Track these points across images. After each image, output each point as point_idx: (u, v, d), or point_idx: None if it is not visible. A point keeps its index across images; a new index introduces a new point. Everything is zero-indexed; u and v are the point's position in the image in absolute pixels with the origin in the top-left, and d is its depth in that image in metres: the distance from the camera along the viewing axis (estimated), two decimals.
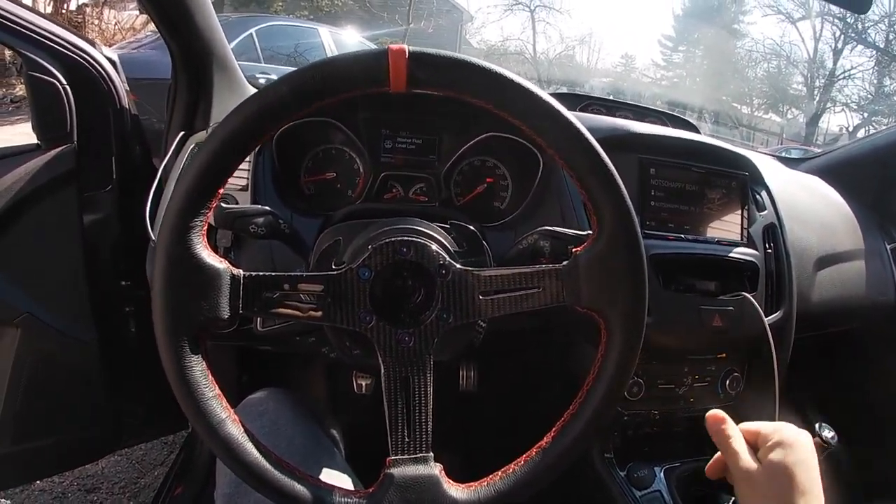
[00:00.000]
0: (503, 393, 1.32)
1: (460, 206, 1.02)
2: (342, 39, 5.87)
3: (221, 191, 0.52)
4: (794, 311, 1.08)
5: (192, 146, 0.91)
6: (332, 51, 5.39)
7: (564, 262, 0.60)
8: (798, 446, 0.60)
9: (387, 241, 0.59)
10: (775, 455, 0.60)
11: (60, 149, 1.03)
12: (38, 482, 1.52)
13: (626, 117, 1.19)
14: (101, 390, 1.12)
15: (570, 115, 0.55)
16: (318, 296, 0.56)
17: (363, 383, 0.91)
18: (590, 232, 0.75)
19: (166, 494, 1.21)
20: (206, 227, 0.53)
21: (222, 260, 0.53)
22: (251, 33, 4.24)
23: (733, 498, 1.01)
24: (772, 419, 1.07)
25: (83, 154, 1.05)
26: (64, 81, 1.03)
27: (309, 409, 0.88)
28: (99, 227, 1.09)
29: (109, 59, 1.10)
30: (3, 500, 1.46)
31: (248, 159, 0.88)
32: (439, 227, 0.71)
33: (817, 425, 0.87)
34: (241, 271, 0.54)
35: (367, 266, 0.58)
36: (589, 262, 0.59)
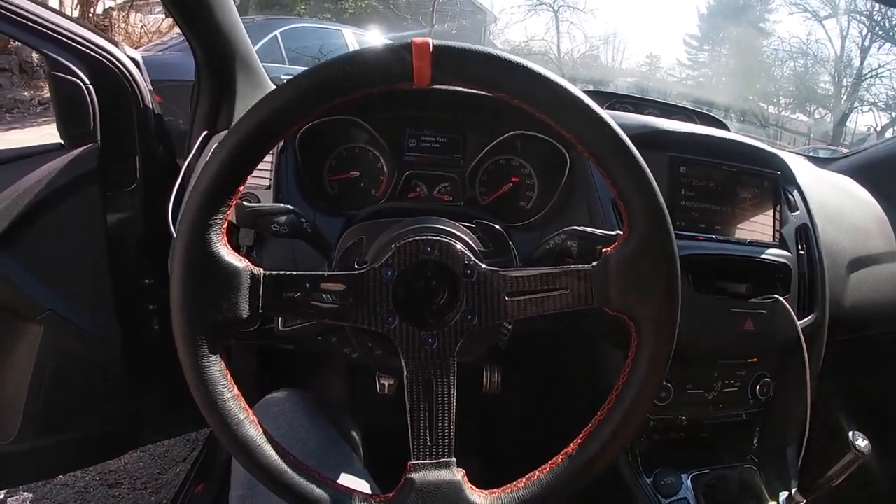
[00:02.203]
0: (527, 396, 1.30)
1: (485, 206, 1.01)
2: (366, 41, 5.91)
3: (242, 188, 0.51)
4: (827, 315, 1.05)
5: (214, 145, 0.91)
6: None
7: (594, 263, 0.58)
8: None
9: (410, 240, 0.58)
10: None
11: (84, 148, 1.03)
12: (60, 476, 1.54)
13: (652, 114, 1.17)
14: (123, 387, 1.12)
15: (603, 112, 0.53)
16: (340, 295, 0.55)
17: (386, 383, 0.90)
18: (619, 232, 0.73)
19: (187, 492, 1.21)
20: (225, 225, 0.52)
21: (242, 258, 0.52)
22: (275, 35, 4.29)
23: None
24: (803, 426, 1.05)
25: (107, 153, 1.05)
26: (87, 81, 1.03)
27: (326, 411, 0.87)
28: (123, 226, 1.10)
29: (132, 59, 1.11)
30: (25, 493, 1.49)
31: (270, 158, 0.88)
32: (464, 226, 0.69)
33: (850, 434, 0.84)
34: (261, 270, 0.53)
35: (391, 265, 0.57)
36: (619, 262, 0.56)
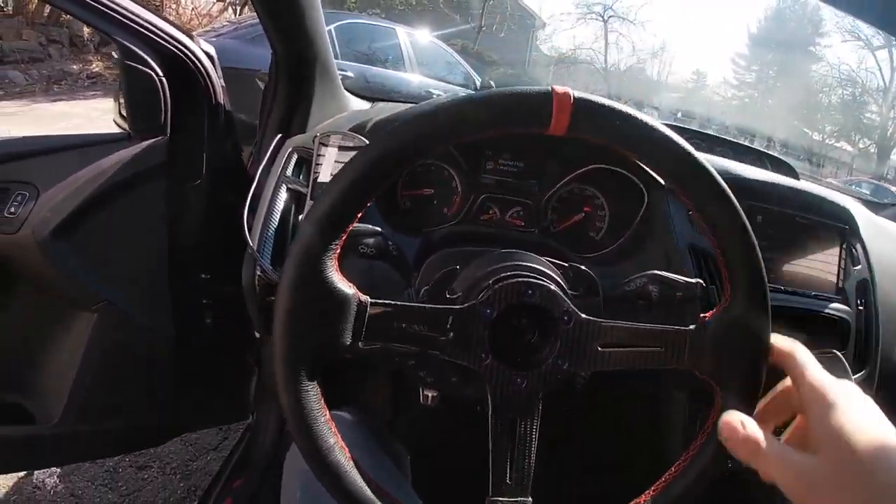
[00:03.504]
0: (589, 435, 1.29)
1: (556, 234, 1.00)
2: (416, 39, 5.89)
3: (360, 214, 0.51)
4: (878, 371, 1.03)
5: (289, 149, 0.91)
6: (408, 51, 5.42)
7: (691, 326, 0.57)
8: None
9: (513, 281, 0.58)
10: None
11: (153, 140, 1.04)
12: None
13: (725, 155, 1.15)
14: (170, 380, 1.13)
15: (716, 174, 0.53)
16: (438, 329, 0.55)
17: (429, 395, 0.89)
18: (699, 281, 0.72)
19: (224, 485, 1.22)
20: (340, 252, 0.51)
21: (351, 285, 0.52)
22: (331, 30, 4.29)
23: None
24: None
25: (175, 147, 1.05)
26: (161, 73, 1.03)
27: (372, 431, 0.86)
28: (185, 221, 1.10)
29: (207, 54, 1.10)
30: (54, 468, 1.51)
31: None
32: (556, 263, 0.69)
33: None
34: (367, 298, 0.53)
35: (491, 304, 0.56)
36: (718, 329, 0.56)
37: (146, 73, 1.03)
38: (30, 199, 0.97)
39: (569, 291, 0.64)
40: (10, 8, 8.37)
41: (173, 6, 9.30)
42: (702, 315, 0.57)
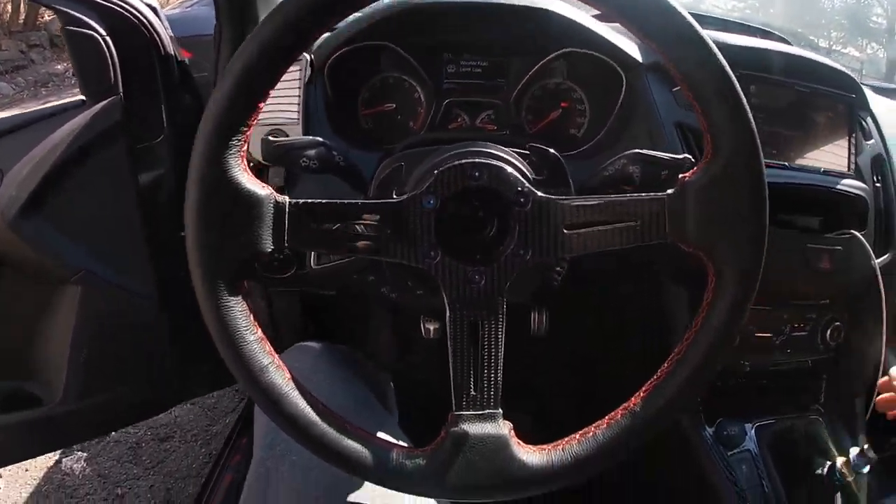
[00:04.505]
0: (577, 340, 1.23)
1: (533, 134, 0.92)
2: None
3: (262, 105, 0.46)
4: None
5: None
6: None
7: (669, 191, 0.50)
8: None
9: (455, 163, 0.51)
10: None
11: (106, 102, 0.99)
12: (112, 434, 1.58)
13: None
14: (165, 343, 1.11)
15: (697, 25, 0.46)
16: (376, 227, 0.49)
17: (431, 327, 0.84)
18: (687, 156, 0.64)
19: (232, 445, 1.21)
20: (245, 149, 0.46)
21: (265, 186, 0.47)
22: None
23: (829, 462, 0.91)
24: (873, 375, 0.96)
25: (130, 105, 1.01)
26: (103, 33, 0.99)
27: (363, 366, 0.83)
28: (153, 179, 1.06)
29: (150, 6, 1.05)
30: (79, 452, 1.53)
31: (297, 91, 0.82)
32: (516, 152, 0.62)
33: None
34: (286, 199, 0.47)
35: (432, 193, 0.50)
36: (700, 189, 0.49)
37: (89, 36, 0.98)
38: None
39: (531, 176, 0.57)
40: None
41: None
42: (680, 176, 0.50)
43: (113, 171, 1.01)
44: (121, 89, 1.00)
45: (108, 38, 0.99)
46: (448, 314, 0.51)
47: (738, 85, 0.47)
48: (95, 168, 0.99)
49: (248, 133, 0.46)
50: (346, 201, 0.50)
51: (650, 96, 0.85)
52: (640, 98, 0.86)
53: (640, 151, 0.65)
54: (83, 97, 1.03)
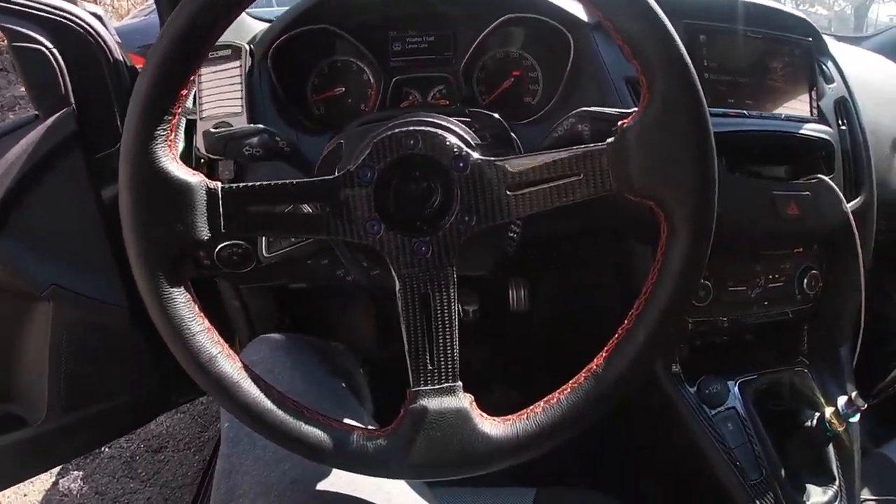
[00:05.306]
0: (552, 310, 1.23)
1: (486, 106, 0.91)
2: None
3: (185, 91, 0.45)
4: (875, 198, 0.95)
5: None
6: None
7: (609, 140, 0.49)
8: None
9: (389, 133, 0.50)
10: None
11: (59, 114, 0.98)
12: (106, 449, 1.58)
13: None
14: (142, 351, 1.09)
15: None
16: (315, 206, 0.49)
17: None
18: (636, 109, 0.64)
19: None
20: (172, 137, 0.46)
21: (196, 173, 0.46)
22: None
23: (817, 414, 0.90)
24: (856, 322, 0.95)
25: (83, 115, 1.00)
26: (50, 45, 0.98)
27: (319, 352, 0.82)
28: (113, 186, 1.04)
29: (94, 15, 1.04)
30: (75, 472, 1.53)
31: (239, 81, 0.81)
32: (458, 121, 0.60)
33: None
34: (218, 184, 0.47)
35: (369, 165, 0.49)
36: (640, 134, 0.47)
37: (35, 49, 0.97)
38: None
39: (473, 142, 0.56)
40: None
41: (108, 0, 9.10)
42: (619, 123, 0.49)
43: (72, 183, 1.00)
44: (72, 100, 0.99)
45: (55, 50, 0.98)
46: (398, 287, 0.50)
47: (671, 27, 0.46)
48: (54, 181, 0.98)
49: (173, 122, 0.45)
50: (279, 182, 0.49)
51: (598, 55, 0.83)
52: (589, 57, 0.85)
53: (588, 109, 0.63)
54: (36, 112, 1.02)
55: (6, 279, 0.98)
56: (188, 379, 1.06)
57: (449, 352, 0.50)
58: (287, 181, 0.49)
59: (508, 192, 0.49)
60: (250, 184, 0.48)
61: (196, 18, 0.43)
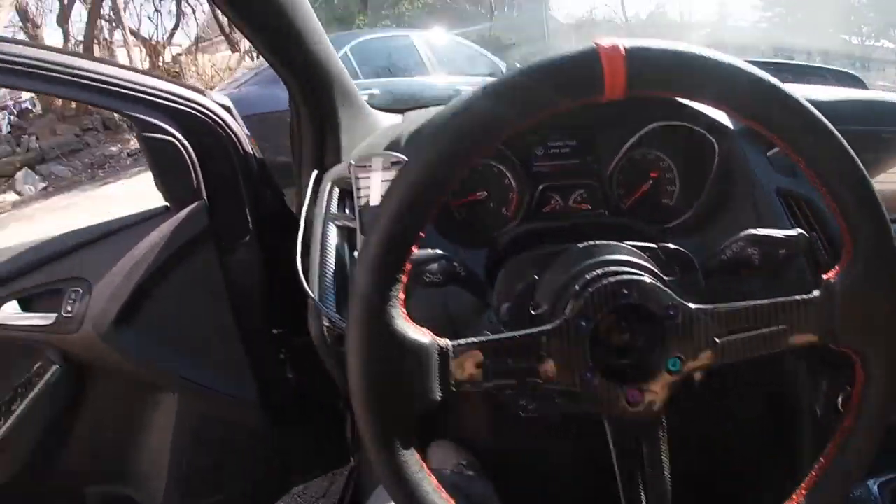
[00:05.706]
0: (700, 427, 1.18)
1: (627, 210, 0.90)
2: (432, 40, 5.59)
3: (415, 248, 0.43)
4: None
5: (328, 185, 0.85)
6: (427, 54, 5.13)
7: (815, 293, 0.48)
8: None
9: (605, 283, 0.49)
10: None
11: (191, 208, 1.00)
12: None
13: (786, 80, 1.03)
14: (265, 442, 1.10)
15: (817, 113, 0.45)
16: (535, 356, 0.47)
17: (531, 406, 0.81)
18: (802, 232, 0.62)
19: None
20: (402, 297, 0.44)
21: (426, 332, 0.45)
22: (346, 52, 4.16)
23: None
24: None
25: (215, 208, 1.02)
26: (181, 138, 0.99)
27: (471, 460, 0.80)
28: (243, 280, 1.06)
29: (223, 106, 1.06)
30: None
31: None
32: (642, 247, 0.59)
33: None
34: (448, 343, 0.45)
35: (585, 315, 0.47)
36: (846, 291, 0.47)
37: (167, 141, 0.98)
38: (84, 295, 0.95)
39: (665, 277, 0.54)
40: (38, 108, 8.81)
41: (192, 69, 9.51)
42: (823, 276, 0.48)
43: (203, 277, 1.02)
44: (204, 193, 1.01)
45: (185, 142, 0.99)
46: (610, 436, 0.50)
47: (873, 184, 0.46)
48: (185, 275, 1.00)
49: (404, 280, 0.44)
50: (506, 336, 0.47)
51: (746, 163, 0.82)
52: (736, 164, 0.83)
53: (755, 232, 0.62)
54: (167, 204, 1.04)
55: (134, 369, 0.99)
56: (304, 462, 1.05)
57: (663, 497, 0.50)
58: (512, 335, 0.48)
59: (717, 339, 0.48)
60: (475, 340, 0.46)
61: (442, 157, 0.42)
